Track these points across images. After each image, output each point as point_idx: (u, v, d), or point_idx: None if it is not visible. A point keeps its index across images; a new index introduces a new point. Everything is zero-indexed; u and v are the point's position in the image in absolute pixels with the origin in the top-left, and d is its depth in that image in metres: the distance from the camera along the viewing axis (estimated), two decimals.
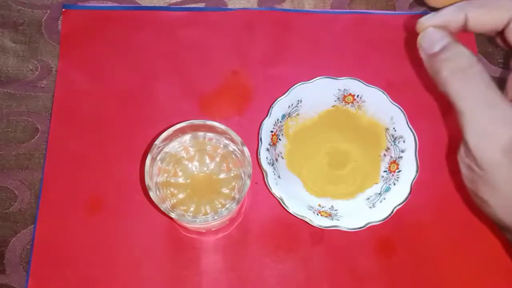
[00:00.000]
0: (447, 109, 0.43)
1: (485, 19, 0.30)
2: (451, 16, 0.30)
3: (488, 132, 0.27)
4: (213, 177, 0.37)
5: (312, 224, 0.37)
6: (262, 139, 0.39)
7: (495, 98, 0.27)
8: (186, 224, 0.37)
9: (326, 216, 0.38)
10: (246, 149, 0.34)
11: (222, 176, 0.37)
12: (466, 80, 0.27)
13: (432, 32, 0.30)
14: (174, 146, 0.37)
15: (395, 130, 0.41)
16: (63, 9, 0.46)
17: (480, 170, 0.28)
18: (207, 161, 0.37)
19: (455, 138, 0.42)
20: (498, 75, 0.45)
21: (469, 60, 0.28)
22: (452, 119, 0.43)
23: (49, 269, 0.38)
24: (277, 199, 0.38)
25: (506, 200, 0.28)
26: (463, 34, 0.31)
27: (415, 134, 0.39)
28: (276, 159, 0.40)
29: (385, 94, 0.40)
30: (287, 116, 0.41)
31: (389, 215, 0.37)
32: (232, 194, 0.36)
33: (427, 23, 0.30)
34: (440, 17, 0.30)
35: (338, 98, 0.42)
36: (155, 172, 0.35)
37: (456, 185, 0.41)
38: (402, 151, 0.40)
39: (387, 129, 0.41)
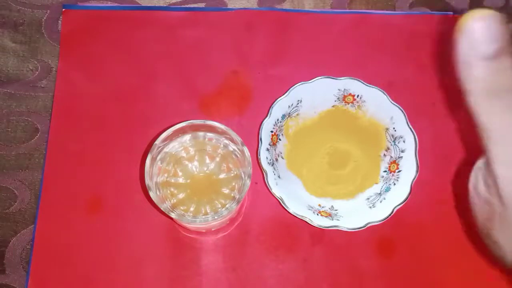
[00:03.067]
0: (447, 109, 0.43)
1: None
2: None
3: None
4: (213, 177, 0.37)
5: (312, 224, 0.37)
6: (262, 139, 0.39)
7: None
8: (186, 224, 0.37)
9: (326, 216, 0.38)
10: (246, 149, 0.34)
11: (222, 176, 0.37)
12: (501, 104, 0.22)
13: (492, 24, 0.21)
14: (174, 146, 0.37)
15: (395, 130, 0.40)
16: (63, 9, 0.46)
17: (501, 205, 0.23)
18: (207, 161, 0.37)
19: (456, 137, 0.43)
20: None
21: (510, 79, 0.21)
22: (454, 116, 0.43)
23: (49, 269, 0.38)
24: (277, 199, 0.38)
25: None
26: None
27: (415, 134, 0.39)
28: (276, 159, 0.40)
29: (385, 94, 0.40)
30: (287, 116, 0.41)
31: (389, 215, 0.37)
32: (232, 194, 0.36)
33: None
34: None
35: (338, 98, 0.42)
36: (155, 172, 0.35)
37: (456, 185, 0.41)
38: (402, 151, 0.40)
39: (387, 129, 0.41)
